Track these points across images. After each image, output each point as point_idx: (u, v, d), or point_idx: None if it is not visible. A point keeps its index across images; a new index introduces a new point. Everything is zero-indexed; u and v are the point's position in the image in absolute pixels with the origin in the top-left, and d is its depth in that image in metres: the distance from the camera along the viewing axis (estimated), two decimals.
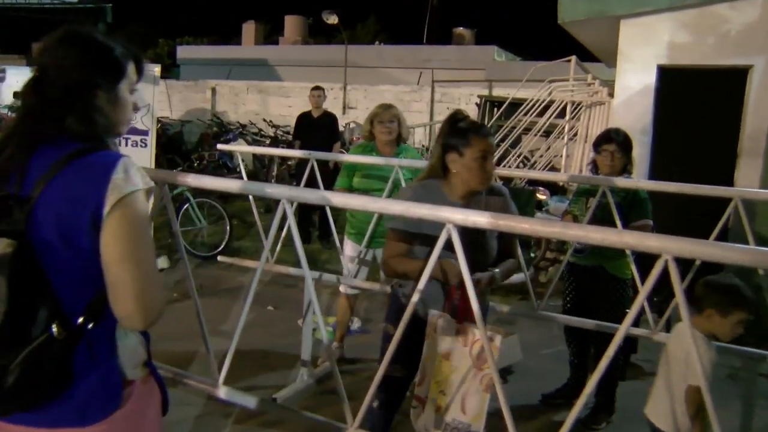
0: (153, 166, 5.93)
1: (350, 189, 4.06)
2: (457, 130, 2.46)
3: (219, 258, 4.64)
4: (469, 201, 2.46)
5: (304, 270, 2.04)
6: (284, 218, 1.95)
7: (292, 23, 28.20)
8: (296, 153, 6.05)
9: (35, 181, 1.35)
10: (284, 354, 4.31)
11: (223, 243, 6.76)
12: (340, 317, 4.42)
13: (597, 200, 3.29)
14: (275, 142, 12.43)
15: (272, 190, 1.84)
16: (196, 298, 2.27)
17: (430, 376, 2.35)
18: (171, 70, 27.30)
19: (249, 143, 12.14)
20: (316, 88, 7.79)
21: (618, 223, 3.15)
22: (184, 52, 25.24)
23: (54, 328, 1.32)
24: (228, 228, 6.81)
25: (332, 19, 14.24)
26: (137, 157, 5.67)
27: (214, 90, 16.01)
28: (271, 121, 13.74)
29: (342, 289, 4.23)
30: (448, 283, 2.32)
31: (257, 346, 4.33)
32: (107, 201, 1.34)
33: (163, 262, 6.15)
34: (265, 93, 15.51)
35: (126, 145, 5.86)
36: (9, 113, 15.89)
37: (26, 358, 1.29)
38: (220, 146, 4.37)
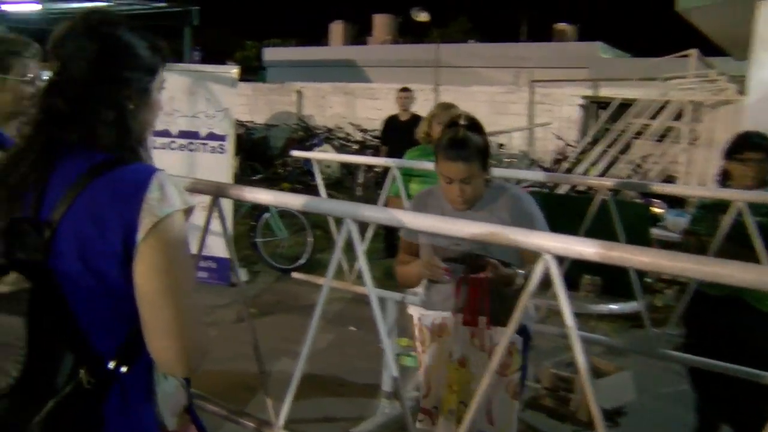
0: (231, 173, 5.96)
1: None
2: (439, 141, 2.33)
3: (293, 275, 4.55)
4: (469, 209, 2.34)
5: (369, 290, 1.85)
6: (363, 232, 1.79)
7: (381, 22, 28.41)
8: (373, 160, 5.88)
9: (56, 201, 1.21)
10: (364, 382, 4.15)
11: (304, 255, 6.70)
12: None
13: (732, 218, 2.88)
14: (363, 147, 12.43)
15: (331, 206, 1.67)
16: (253, 324, 2.13)
17: (439, 386, 2.26)
18: (258, 72, 28.17)
19: (336, 148, 12.24)
20: (404, 89, 7.65)
21: (762, 250, 2.72)
22: (270, 54, 25.90)
23: (81, 376, 1.19)
24: (310, 239, 6.74)
25: (422, 17, 14.09)
26: (216, 164, 5.94)
27: (299, 92, 16.25)
28: (359, 125, 13.78)
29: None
30: (436, 280, 2.25)
31: (333, 371, 4.20)
32: (141, 225, 1.19)
33: (242, 275, 6.17)
34: (351, 95, 15.58)
35: (204, 151, 5.94)
36: None
37: (50, 412, 1.16)
38: (294, 153, 4.27)
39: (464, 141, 2.25)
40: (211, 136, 5.96)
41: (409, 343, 4.77)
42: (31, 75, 2.09)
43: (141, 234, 1.19)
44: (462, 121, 2.32)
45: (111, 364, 1.24)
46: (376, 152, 9.29)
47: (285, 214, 6.95)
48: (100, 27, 1.31)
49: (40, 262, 1.18)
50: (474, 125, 2.33)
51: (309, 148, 12.09)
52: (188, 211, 1.29)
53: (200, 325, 1.26)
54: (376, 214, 1.64)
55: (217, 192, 1.97)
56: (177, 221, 1.24)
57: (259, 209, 6.79)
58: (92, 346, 1.22)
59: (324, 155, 4.66)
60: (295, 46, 31.90)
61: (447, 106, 4.00)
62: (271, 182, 9.78)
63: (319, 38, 33.20)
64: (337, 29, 28.60)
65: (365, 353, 4.63)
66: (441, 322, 2.30)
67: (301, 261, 6.60)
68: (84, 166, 1.23)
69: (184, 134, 5.99)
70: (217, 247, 5.43)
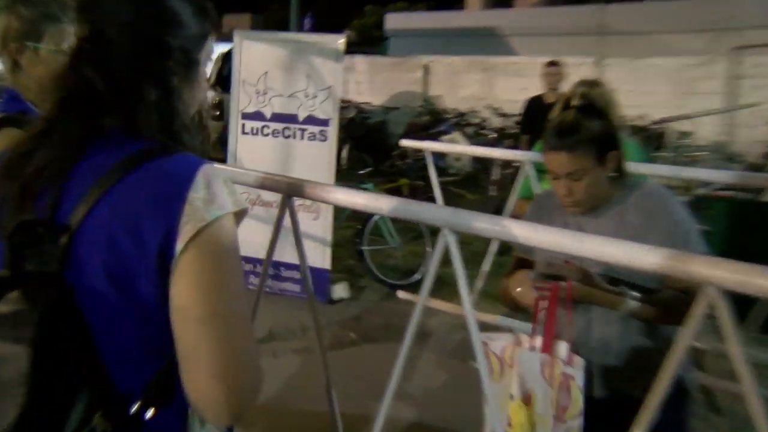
0: (333, 165, 6.04)
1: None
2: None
3: (398, 293, 4.52)
4: (592, 213, 2.22)
5: (468, 318, 1.77)
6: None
7: None
8: (501, 153, 5.68)
9: (78, 200, 1.16)
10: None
11: (420, 269, 6.68)
12: None
13: None
14: (501, 135, 12.26)
15: (429, 213, 1.60)
16: (325, 357, 2.08)
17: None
18: (379, 44, 28.56)
19: (468, 137, 12.12)
20: (551, 63, 7.39)
21: None
22: (393, 21, 26.05)
23: (96, 423, 1.12)
24: (428, 249, 6.70)
25: None
26: (316, 154, 6.04)
27: (426, 68, 16.30)
28: (498, 109, 13.63)
29: None
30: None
31: (449, 420, 4.12)
32: (181, 232, 1.13)
33: (341, 291, 6.25)
34: (490, 71, 15.44)
35: (302, 138, 6.05)
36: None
37: None
38: (404, 142, 4.21)
39: (572, 126, 2.14)
40: (311, 120, 6.05)
41: None
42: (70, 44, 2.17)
43: (181, 243, 1.13)
44: (576, 101, 2.21)
45: (135, 408, 1.17)
46: (515, 142, 9.12)
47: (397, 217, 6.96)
48: None
49: (54, 275, 1.13)
50: (591, 107, 2.19)
51: (435, 137, 12.05)
52: (240, 215, 1.25)
53: (249, 363, 1.17)
54: (481, 224, 1.55)
55: (288, 190, 1.97)
56: (226, 227, 1.18)
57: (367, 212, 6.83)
58: (113, 384, 1.16)
59: (439, 146, 4.52)
60: (424, 11, 32.00)
61: (590, 84, 3.82)
62: (386, 176, 9.88)
63: (454, 2, 33.15)
64: None
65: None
66: (514, 347, 2.18)
67: (417, 276, 6.58)
68: (115, 156, 1.19)
69: (278, 118, 6.13)
70: (314, 255, 5.52)
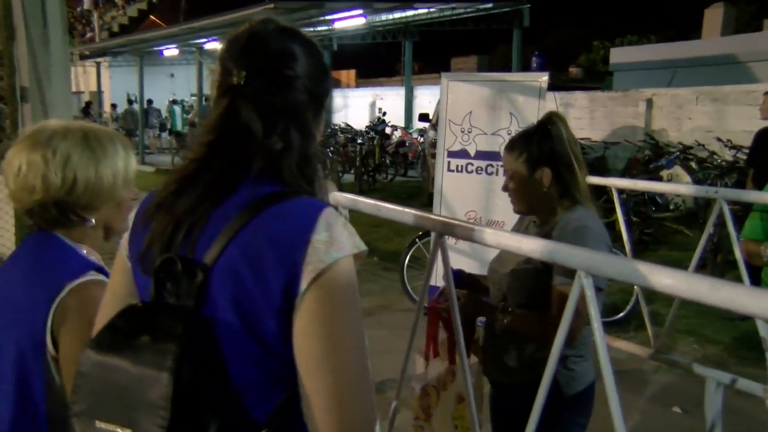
0: None
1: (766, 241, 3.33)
2: None
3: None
4: (541, 228, 2.51)
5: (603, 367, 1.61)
6: None
7: None
8: (691, 190, 5.16)
9: (213, 239, 1.22)
10: None
11: (627, 307, 6.35)
12: None
13: None
14: (731, 169, 11.38)
15: (567, 255, 1.49)
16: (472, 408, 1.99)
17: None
18: (604, 78, 27.75)
19: (693, 172, 11.41)
20: None
21: None
22: (618, 55, 25.20)
23: None
24: (636, 287, 6.33)
25: None
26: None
27: (649, 102, 15.55)
28: (729, 141, 12.66)
29: None
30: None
31: None
32: (304, 272, 1.16)
33: None
34: (722, 102, 14.36)
35: (503, 174, 5.95)
36: (419, 137, 18.32)
37: None
38: (590, 179, 3.98)
39: (519, 135, 2.51)
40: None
41: None
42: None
43: (304, 283, 1.16)
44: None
45: None
46: (741, 175, 8.41)
47: None
48: (293, 34, 1.36)
49: (191, 310, 1.19)
50: (541, 127, 2.45)
51: (655, 172, 11.54)
52: (359, 256, 1.26)
53: (369, 398, 1.19)
54: (615, 267, 1.41)
55: (442, 229, 1.93)
56: (346, 268, 1.20)
57: None
58: (243, 414, 1.21)
59: (623, 182, 4.26)
60: (655, 43, 30.60)
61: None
62: (602, 212, 9.50)
63: (689, 32, 31.33)
64: (714, 15, 26.05)
65: None
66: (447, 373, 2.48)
67: (620, 315, 6.24)
68: (246, 198, 1.24)
69: (482, 155, 6.14)
70: None
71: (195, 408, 1.13)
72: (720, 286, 1.20)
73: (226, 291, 1.19)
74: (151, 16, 37.30)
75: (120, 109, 28.52)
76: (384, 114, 21.52)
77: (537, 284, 2.32)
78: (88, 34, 36.34)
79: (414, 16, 18.84)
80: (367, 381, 1.19)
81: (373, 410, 1.19)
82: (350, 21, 18.07)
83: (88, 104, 28.54)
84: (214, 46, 22.43)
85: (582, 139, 15.10)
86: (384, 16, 18.62)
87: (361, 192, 14.83)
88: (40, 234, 1.76)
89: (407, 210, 2.08)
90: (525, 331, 2.31)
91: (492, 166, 6.07)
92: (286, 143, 1.30)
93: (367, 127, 20.26)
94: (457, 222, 1.87)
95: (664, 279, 1.29)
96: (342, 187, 13.31)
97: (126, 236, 1.42)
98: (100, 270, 1.72)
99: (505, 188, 2.51)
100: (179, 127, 26.18)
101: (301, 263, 1.16)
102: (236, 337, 1.20)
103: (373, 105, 27.63)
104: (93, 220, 1.77)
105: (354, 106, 28.72)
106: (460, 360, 2.00)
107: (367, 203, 2.28)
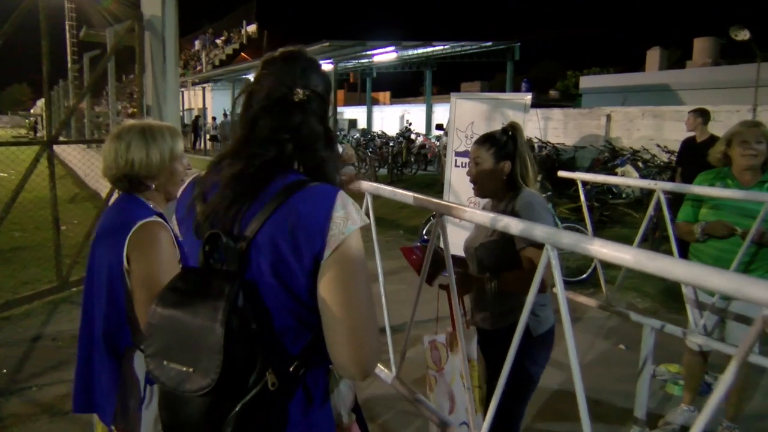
0: None
1: (695, 223, 3.23)
2: None
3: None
4: (496, 206, 2.44)
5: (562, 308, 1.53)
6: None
7: (701, 46, 25.06)
8: (637, 182, 4.91)
9: (253, 216, 1.17)
10: (621, 405, 3.62)
11: (589, 271, 6.19)
12: (687, 375, 3.50)
13: None
14: (665, 168, 11.10)
15: (539, 232, 1.41)
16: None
17: (464, 395, 2.18)
18: (575, 99, 27.22)
19: (639, 169, 11.15)
20: (694, 111, 6.51)
21: None
22: (586, 81, 24.80)
23: (268, 378, 1.13)
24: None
25: (742, 35, 11.95)
26: None
27: (608, 117, 15.21)
28: (665, 147, 12.35)
29: (689, 343, 3.32)
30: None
31: (591, 391, 3.73)
32: (328, 243, 1.14)
33: None
34: (660, 118, 14.01)
35: None
36: (436, 141, 18.15)
37: (242, 410, 1.11)
38: (561, 173, 3.87)
39: (489, 134, 2.44)
40: None
41: (678, 370, 4.05)
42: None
43: (329, 250, 1.14)
44: (505, 127, 2.44)
45: (293, 367, 1.19)
46: (672, 173, 8.19)
47: (571, 229, 6.51)
48: (315, 64, 1.32)
49: (235, 272, 1.15)
50: (507, 132, 2.41)
51: (612, 169, 11.29)
52: (363, 228, 1.23)
53: (375, 334, 1.17)
54: (571, 240, 1.34)
55: (441, 210, 1.86)
56: (357, 238, 1.19)
57: None
58: (280, 351, 1.19)
59: (587, 176, 4.10)
60: (612, 73, 30.07)
61: (753, 123, 3.19)
62: (571, 199, 9.34)
63: (638, 66, 30.78)
64: (653, 55, 26.07)
65: (630, 375, 4.05)
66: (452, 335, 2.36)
67: (584, 276, 6.10)
68: (279, 186, 1.20)
69: None
70: None
71: (243, 350, 1.10)
72: (655, 257, 1.11)
73: (265, 258, 1.16)
74: (242, 54, 37.25)
75: (218, 121, 28.64)
76: (410, 124, 21.29)
77: (501, 252, 2.28)
78: (198, 67, 36.60)
79: (433, 51, 18.60)
80: (374, 321, 1.18)
81: (378, 342, 1.19)
82: (385, 55, 17.95)
83: (197, 117, 28.67)
84: None
85: (557, 143, 14.88)
86: (410, 52, 18.43)
87: (391, 182, 14.74)
88: (124, 195, 1.90)
89: (416, 195, 2.02)
90: (510, 288, 2.22)
91: None
92: (312, 146, 1.27)
93: (397, 133, 20.13)
94: (452, 205, 1.80)
95: (615, 252, 1.21)
96: (377, 178, 13.37)
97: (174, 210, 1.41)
98: (161, 216, 1.84)
99: (470, 173, 2.45)
100: None
101: (326, 234, 1.14)
102: (274, 293, 1.17)
103: (402, 117, 27.49)
104: (153, 186, 1.88)
105: (388, 119, 28.58)
106: (458, 328, 1.91)
107: (386, 190, 2.22)
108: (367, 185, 2.31)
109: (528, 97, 5.76)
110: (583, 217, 3.82)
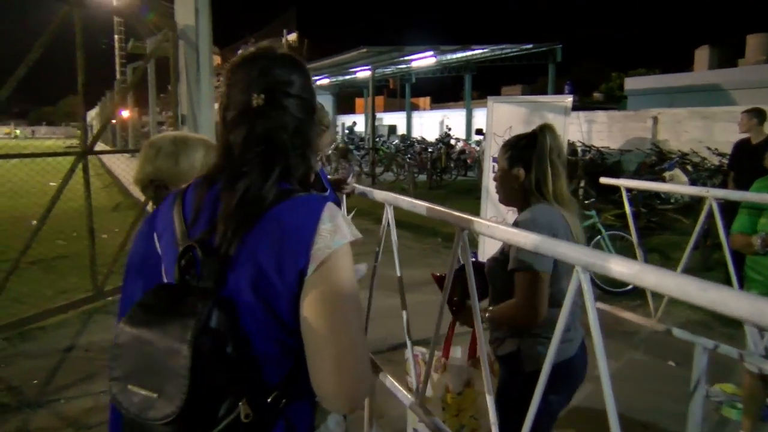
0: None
1: (753, 234, 2.93)
2: None
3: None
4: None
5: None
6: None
7: (755, 42, 24.07)
8: (686, 189, 4.56)
9: (235, 231, 1.05)
10: (671, 427, 3.35)
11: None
12: (746, 398, 3.21)
13: None
14: (717, 172, 10.58)
15: (565, 250, 1.23)
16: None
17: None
18: (620, 101, 26.48)
19: (688, 173, 10.67)
20: (748, 111, 6.10)
21: None
22: (631, 83, 24.08)
23: (241, 408, 1.00)
24: None
25: None
26: None
27: (655, 119, 14.68)
28: (716, 149, 11.80)
29: (747, 365, 3.03)
30: None
31: (638, 409, 3.47)
32: (313, 258, 1.03)
33: None
34: (710, 119, 13.43)
35: None
36: (476, 146, 17.88)
37: None
38: (603, 180, 3.62)
39: (514, 136, 2.17)
40: None
41: (735, 391, 3.75)
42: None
43: (313, 266, 1.02)
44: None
45: (272, 398, 1.06)
46: (725, 178, 7.76)
47: (615, 237, 6.21)
48: (286, 62, 1.17)
49: (211, 289, 1.03)
50: (527, 137, 2.12)
51: (659, 173, 10.84)
52: (355, 243, 1.10)
53: (364, 363, 1.04)
54: (603, 263, 1.15)
55: (462, 224, 1.69)
56: (346, 254, 1.06)
57: (589, 231, 6.21)
58: (257, 379, 1.05)
59: (633, 183, 3.76)
60: (659, 74, 29.16)
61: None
62: (616, 205, 8.97)
63: (685, 65, 29.78)
64: (702, 54, 25.19)
65: (682, 395, 3.76)
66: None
67: (629, 287, 5.78)
68: (262, 196, 1.08)
69: None
70: None
71: (214, 375, 0.98)
72: (705, 287, 0.92)
73: (245, 274, 1.03)
74: None
75: None
76: (449, 129, 21.09)
77: (501, 273, 2.01)
78: None
79: (472, 55, 18.35)
80: (363, 346, 1.05)
81: (368, 371, 1.06)
82: (423, 60, 17.79)
83: None
84: (324, 82, 22.56)
85: (602, 147, 14.41)
86: (449, 56, 18.24)
87: (430, 188, 14.56)
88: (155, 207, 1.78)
89: (434, 207, 1.86)
90: (500, 320, 1.99)
91: None
92: (295, 155, 1.14)
93: (436, 139, 19.97)
94: (472, 218, 1.63)
95: (657, 280, 1.03)
96: (416, 184, 13.22)
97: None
98: None
99: (495, 178, 2.22)
100: None
101: (311, 248, 1.03)
102: (254, 314, 1.04)
103: (441, 123, 27.28)
104: None
105: (427, 125, 28.41)
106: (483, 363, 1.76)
107: (405, 201, 2.07)
108: (385, 195, 2.16)
109: (569, 100, 5.53)
110: (628, 225, 3.58)
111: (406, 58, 17.14)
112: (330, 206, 1.08)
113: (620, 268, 1.10)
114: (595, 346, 1.17)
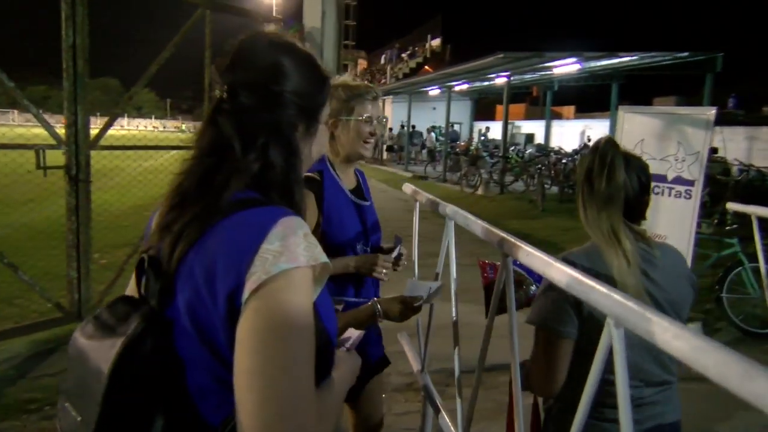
0: (694, 219, 4.87)
1: None
2: None
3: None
4: None
5: None
6: None
7: None
8: None
9: (180, 239, 0.93)
10: None
11: None
12: None
13: None
14: None
15: (594, 296, 0.95)
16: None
17: None
18: None
19: None
20: None
21: None
22: None
23: None
24: None
25: None
26: (679, 209, 4.99)
27: None
28: None
29: None
30: None
31: None
32: (248, 283, 0.84)
33: (693, 330, 5.02)
34: None
35: (669, 195, 5.04)
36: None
37: None
38: (730, 206, 3.04)
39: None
40: (678, 181, 5.00)
41: None
42: (368, 114, 1.96)
43: (246, 293, 0.84)
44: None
45: None
46: None
47: (758, 269, 5.38)
48: (284, 47, 1.02)
49: (150, 309, 0.91)
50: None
51: None
52: (322, 269, 0.91)
53: (298, 420, 0.81)
54: (643, 324, 0.85)
55: (506, 250, 1.44)
56: (294, 281, 0.85)
57: (730, 261, 5.45)
58: (193, 418, 0.90)
59: (761, 210, 3.01)
60: None
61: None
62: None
63: None
64: None
65: None
66: None
67: None
68: (218, 206, 0.93)
69: None
70: None
71: (135, 406, 0.86)
72: None
73: (183, 293, 0.90)
74: (426, 67, 37.99)
75: (395, 132, 29.43)
76: (589, 140, 19.94)
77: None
78: (383, 80, 38.08)
79: (619, 63, 17.14)
80: (296, 404, 0.81)
81: (304, 428, 0.81)
82: (566, 68, 16.93)
83: None
84: (462, 87, 22.32)
85: (763, 167, 12.75)
86: (593, 64, 17.20)
87: (561, 201, 13.76)
88: None
89: (486, 226, 1.61)
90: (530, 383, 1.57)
91: (658, 187, 5.10)
92: (266, 161, 0.97)
93: (573, 150, 18.94)
94: (516, 243, 1.38)
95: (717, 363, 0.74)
96: (545, 196, 12.57)
97: None
98: None
99: None
100: (434, 147, 26.21)
101: (246, 272, 0.84)
102: (189, 341, 0.89)
103: (582, 133, 25.92)
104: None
105: (567, 134, 27.14)
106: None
107: (461, 215, 1.85)
108: (449, 209, 1.95)
109: (712, 112, 4.87)
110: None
111: (547, 64, 16.41)
112: (287, 221, 0.89)
113: (665, 334, 0.82)
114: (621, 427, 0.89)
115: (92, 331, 0.92)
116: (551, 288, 1.41)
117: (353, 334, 1.21)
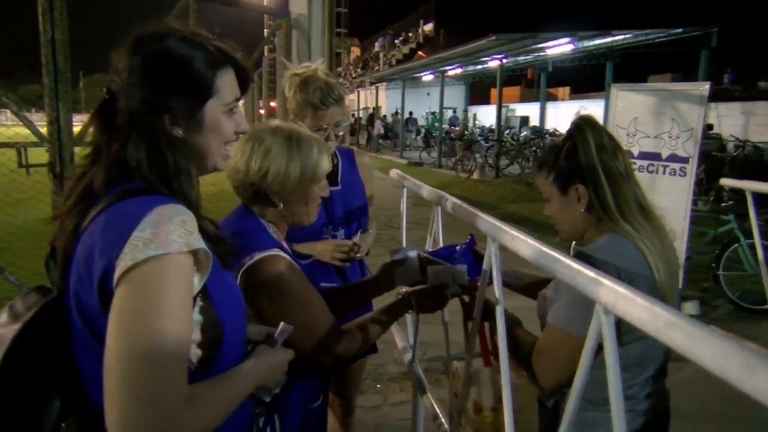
0: (689, 197, 4.81)
1: None
2: None
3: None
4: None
5: None
6: None
7: None
8: None
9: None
10: None
11: None
12: None
13: None
14: None
15: (560, 267, 0.89)
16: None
17: None
18: None
19: None
20: None
21: None
22: None
23: (64, 428, 0.96)
24: None
25: None
26: (674, 187, 4.91)
27: None
28: None
29: None
30: None
31: None
32: (117, 269, 0.86)
33: (691, 308, 4.99)
34: None
35: (664, 173, 4.97)
36: None
37: None
38: (724, 181, 2.97)
39: (546, 151, 1.60)
40: (673, 158, 4.94)
41: None
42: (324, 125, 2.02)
43: (115, 279, 0.86)
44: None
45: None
46: None
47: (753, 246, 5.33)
48: (141, 47, 1.02)
49: (46, 298, 1.01)
50: (570, 139, 1.51)
51: None
52: (199, 255, 0.94)
53: (157, 410, 0.83)
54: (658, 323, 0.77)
55: (493, 234, 1.36)
56: (163, 268, 0.87)
57: (726, 238, 5.40)
58: (89, 399, 0.95)
59: (756, 185, 2.84)
60: None
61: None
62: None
63: None
64: None
65: None
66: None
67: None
68: (104, 197, 0.98)
69: (644, 155, 5.12)
70: None
71: (30, 389, 0.95)
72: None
73: (72, 283, 0.95)
74: (419, 52, 37.74)
75: (389, 119, 29.30)
76: None
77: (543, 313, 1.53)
78: (376, 67, 37.83)
79: (613, 42, 17.00)
80: (158, 389, 0.84)
81: (162, 423, 0.83)
82: (559, 48, 16.79)
83: (372, 115, 29.69)
84: (456, 72, 22.15)
85: (761, 142, 12.68)
86: (587, 43, 17.06)
87: None
88: (243, 207, 1.57)
89: (479, 214, 1.52)
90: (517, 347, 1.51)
91: (653, 165, 5.05)
92: (132, 153, 1.01)
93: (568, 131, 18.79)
94: (502, 227, 1.30)
95: (685, 339, 0.67)
96: None
97: None
98: (281, 247, 1.48)
99: (548, 213, 1.58)
100: (430, 131, 26.09)
101: (116, 258, 0.87)
102: (78, 330, 0.95)
103: (577, 114, 25.78)
104: (281, 205, 1.52)
105: (563, 116, 27.02)
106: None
107: (451, 201, 1.77)
108: (436, 194, 1.87)
109: (705, 87, 4.80)
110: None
111: (540, 45, 16.24)
112: (161, 210, 0.91)
113: (657, 321, 0.75)
114: (613, 416, 0.82)
115: (5, 320, 0.98)
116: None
117: (285, 328, 1.17)
